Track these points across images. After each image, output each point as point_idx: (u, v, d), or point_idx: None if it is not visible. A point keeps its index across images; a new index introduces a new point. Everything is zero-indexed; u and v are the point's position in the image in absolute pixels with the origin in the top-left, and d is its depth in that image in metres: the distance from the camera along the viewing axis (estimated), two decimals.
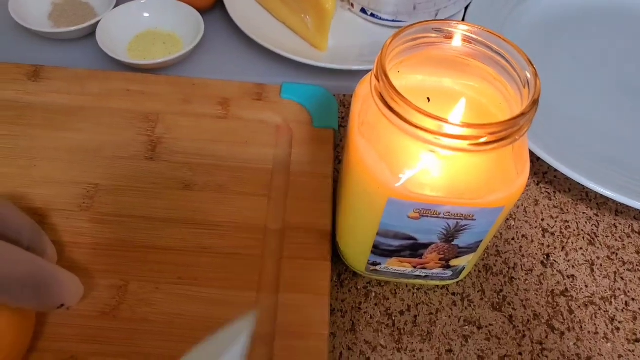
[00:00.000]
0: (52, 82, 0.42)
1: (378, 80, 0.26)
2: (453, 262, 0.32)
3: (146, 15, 0.48)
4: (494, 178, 0.27)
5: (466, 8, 0.50)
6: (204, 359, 0.26)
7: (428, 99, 0.30)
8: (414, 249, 0.31)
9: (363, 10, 0.49)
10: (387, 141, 0.27)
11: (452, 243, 0.30)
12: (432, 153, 0.27)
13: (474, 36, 0.28)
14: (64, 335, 0.30)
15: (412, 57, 0.29)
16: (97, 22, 0.46)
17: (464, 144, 0.25)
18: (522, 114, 0.25)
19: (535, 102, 0.25)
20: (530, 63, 0.27)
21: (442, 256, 0.31)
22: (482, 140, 0.25)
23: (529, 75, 0.27)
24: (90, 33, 0.46)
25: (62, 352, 0.29)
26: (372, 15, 0.49)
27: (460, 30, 0.28)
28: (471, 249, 0.31)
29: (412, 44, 0.28)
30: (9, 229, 0.25)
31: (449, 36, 0.29)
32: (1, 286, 0.23)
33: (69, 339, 0.30)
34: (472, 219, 0.28)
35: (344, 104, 0.46)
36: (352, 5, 0.50)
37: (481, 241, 0.30)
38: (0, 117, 0.39)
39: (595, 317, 0.36)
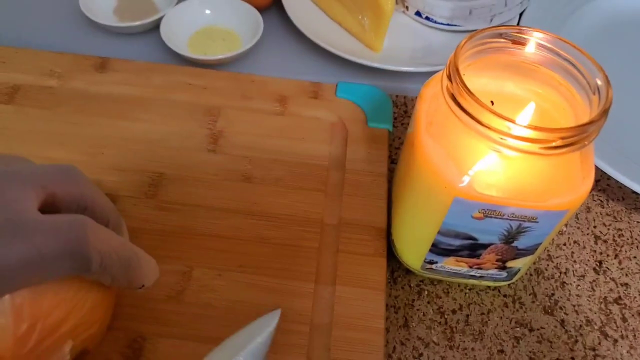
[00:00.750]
0: (118, 74, 0.43)
1: (450, 81, 0.27)
2: (509, 264, 0.32)
3: (207, 12, 0.49)
4: (560, 181, 0.28)
5: (521, 14, 0.51)
6: (230, 349, 0.28)
7: (492, 102, 0.30)
8: (473, 248, 0.31)
9: (418, 13, 0.50)
10: (456, 141, 0.28)
11: (512, 244, 0.30)
12: (499, 154, 0.27)
13: (543, 42, 0.29)
14: (133, 315, 0.31)
15: (478, 60, 0.30)
16: (160, 18, 0.47)
17: (534, 146, 0.25)
18: (593, 122, 0.25)
19: (606, 111, 0.26)
20: (602, 70, 0.27)
21: (500, 257, 0.32)
22: (553, 144, 0.25)
23: (599, 83, 0.27)
24: (152, 28, 0.48)
25: (132, 331, 0.31)
26: (427, 18, 0.50)
27: (529, 37, 0.29)
28: (529, 251, 0.31)
29: (481, 48, 0.29)
30: (100, 212, 0.27)
31: (517, 42, 0.29)
32: (105, 266, 0.24)
33: (138, 319, 0.31)
34: (535, 221, 0.28)
35: (397, 104, 0.47)
36: (407, 7, 0.50)
37: (540, 243, 0.31)
38: (70, 106, 0.41)
39: None
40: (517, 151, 0.25)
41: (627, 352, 0.34)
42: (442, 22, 0.50)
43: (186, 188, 0.37)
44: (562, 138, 0.25)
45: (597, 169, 0.40)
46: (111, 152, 0.39)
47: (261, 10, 0.49)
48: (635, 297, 0.37)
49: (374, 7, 0.45)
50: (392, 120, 0.44)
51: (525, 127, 0.25)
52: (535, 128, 0.25)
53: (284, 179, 0.38)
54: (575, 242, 0.39)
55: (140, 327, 0.31)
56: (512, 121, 0.25)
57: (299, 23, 0.48)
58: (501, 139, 0.25)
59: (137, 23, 0.47)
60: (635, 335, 0.35)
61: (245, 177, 0.38)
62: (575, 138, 0.25)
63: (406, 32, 0.51)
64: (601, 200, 0.42)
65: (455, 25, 0.49)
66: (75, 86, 0.42)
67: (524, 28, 0.29)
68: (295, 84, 0.44)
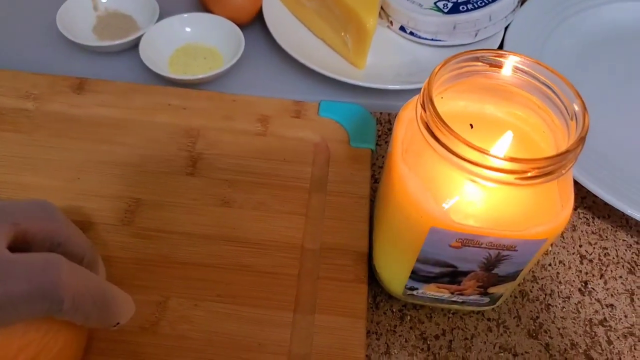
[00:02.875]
0: (96, 95, 0.43)
1: (424, 109, 0.26)
2: (491, 290, 0.32)
3: (188, 29, 0.49)
4: (538, 210, 0.27)
5: (506, 28, 0.50)
6: None
7: (471, 125, 0.30)
8: (453, 276, 0.30)
9: (402, 28, 0.49)
10: (432, 170, 0.27)
11: (492, 272, 0.30)
12: (476, 184, 0.27)
13: (520, 66, 0.28)
14: (105, 349, 0.30)
15: (456, 84, 0.29)
16: (140, 36, 0.47)
17: (510, 177, 0.25)
18: (569, 151, 0.25)
19: (582, 139, 0.25)
20: (579, 96, 0.27)
21: (481, 284, 0.31)
22: (529, 174, 0.25)
23: (577, 109, 0.26)
24: (133, 46, 0.48)
25: None
26: (412, 33, 0.49)
27: (507, 60, 0.28)
28: (511, 277, 0.31)
29: (458, 72, 0.29)
30: (73, 249, 0.26)
31: (495, 65, 0.29)
32: (78, 306, 0.24)
33: (110, 353, 0.30)
34: (514, 250, 0.28)
35: (381, 122, 0.46)
36: (391, 22, 0.50)
37: (521, 270, 0.30)
38: (46, 130, 0.41)
39: (635, 348, 0.35)
40: (492, 182, 0.25)
41: None
42: (426, 37, 0.49)
43: (163, 214, 0.36)
44: (538, 168, 0.24)
45: (582, 186, 0.40)
46: (87, 178, 0.38)
47: (243, 27, 0.48)
48: (620, 319, 0.36)
49: (357, 25, 0.45)
50: (376, 139, 0.44)
51: (499, 158, 0.24)
52: (510, 159, 0.24)
53: (264, 203, 0.38)
54: (560, 262, 0.39)
55: None
56: (487, 152, 0.24)
57: (282, 40, 0.47)
58: (478, 170, 0.25)
59: (117, 42, 0.47)
60: (620, 359, 0.34)
61: (224, 202, 0.37)
62: (551, 167, 0.25)
63: (391, 47, 0.50)
64: (587, 218, 0.41)
65: (440, 40, 0.49)
66: (53, 108, 0.42)
67: (500, 51, 0.29)
68: (277, 103, 0.44)
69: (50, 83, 0.43)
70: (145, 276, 0.33)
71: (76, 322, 0.25)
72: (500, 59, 0.28)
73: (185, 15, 0.49)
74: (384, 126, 0.46)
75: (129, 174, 0.38)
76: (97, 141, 0.40)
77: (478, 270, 0.30)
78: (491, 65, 0.29)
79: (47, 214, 0.26)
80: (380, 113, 0.47)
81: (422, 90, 0.27)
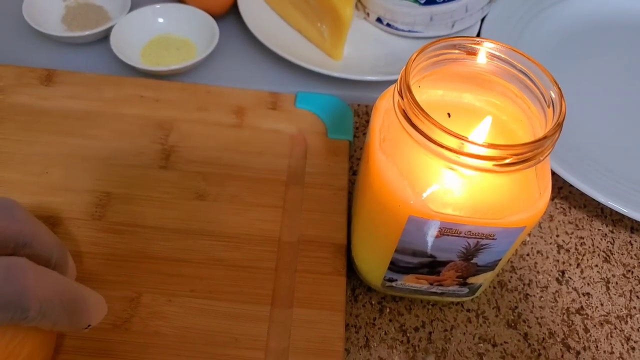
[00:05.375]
0: (65, 87, 0.41)
1: (402, 97, 0.26)
2: (470, 280, 0.32)
3: (160, 20, 0.47)
4: (517, 198, 0.27)
5: (483, 19, 0.50)
6: None
7: (449, 114, 0.30)
8: (432, 266, 0.30)
9: (379, 20, 0.49)
10: (409, 158, 0.27)
11: (471, 261, 0.30)
12: (454, 172, 0.26)
13: (497, 53, 0.28)
14: (76, 347, 0.29)
15: (433, 72, 0.29)
16: (111, 27, 0.45)
17: (488, 164, 0.24)
18: (547, 137, 0.25)
19: (560, 125, 0.25)
20: (556, 83, 0.26)
21: (460, 274, 0.31)
22: (507, 161, 0.24)
23: (553, 96, 0.26)
24: (104, 37, 0.46)
25: None
26: (388, 25, 0.49)
27: (483, 48, 0.28)
28: (489, 267, 0.30)
29: (435, 60, 0.28)
30: (40, 250, 0.25)
31: (472, 53, 0.28)
32: (45, 313, 0.22)
33: (81, 351, 0.29)
34: (493, 239, 0.28)
35: (358, 114, 0.46)
36: (368, 14, 0.50)
37: (500, 260, 0.30)
38: (13, 122, 0.39)
39: (611, 336, 0.35)
40: (470, 169, 0.25)
41: None
42: (403, 29, 0.49)
43: (135, 208, 0.35)
44: (516, 154, 0.24)
45: (559, 177, 0.40)
46: (56, 171, 0.37)
47: (217, 17, 0.47)
48: (596, 307, 0.36)
49: (333, 16, 0.44)
50: (354, 131, 0.43)
51: (477, 144, 0.24)
52: (488, 145, 0.24)
53: (239, 196, 0.37)
54: (538, 251, 0.39)
55: None
56: (464, 138, 0.24)
57: (257, 31, 0.46)
58: (456, 157, 0.24)
59: (87, 33, 0.45)
60: (597, 347, 0.35)
61: (198, 195, 0.36)
62: (529, 154, 0.24)
63: (368, 39, 0.50)
64: (564, 208, 0.42)
65: (417, 32, 0.49)
66: (19, 100, 0.40)
67: (477, 39, 0.28)
68: (253, 94, 0.43)
69: (17, 74, 0.42)
70: (116, 272, 0.32)
71: (44, 327, 0.24)
72: (477, 46, 0.28)
73: (158, 5, 0.47)
74: (362, 118, 0.45)
75: (99, 168, 0.37)
76: (66, 134, 0.39)
77: (457, 260, 0.29)
78: (468, 52, 0.29)
79: (10, 213, 0.25)
80: (358, 105, 0.46)
81: (399, 77, 0.26)
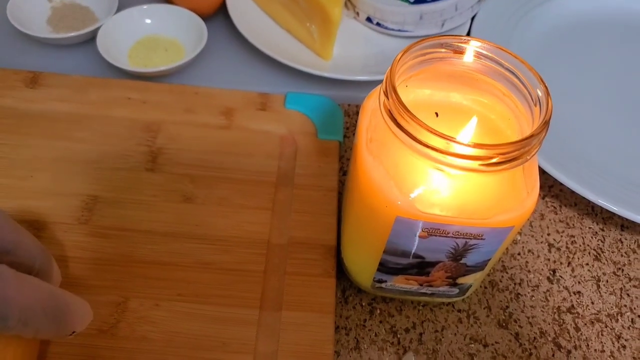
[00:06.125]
0: (51, 90, 0.41)
1: (387, 97, 0.25)
2: (460, 280, 0.31)
3: (148, 21, 0.47)
4: (504, 198, 0.27)
5: (473, 18, 0.50)
6: None
7: (436, 113, 0.30)
8: (421, 267, 0.30)
9: (369, 19, 0.49)
10: (396, 159, 0.27)
11: (460, 262, 0.29)
12: (441, 172, 0.26)
13: (484, 52, 0.28)
14: (61, 354, 0.29)
15: (421, 71, 0.29)
16: (98, 28, 0.45)
17: (474, 164, 0.24)
18: (533, 135, 0.24)
19: (546, 123, 0.25)
20: (542, 82, 0.26)
21: (450, 274, 0.31)
22: (493, 160, 0.24)
23: (540, 94, 0.26)
24: (90, 39, 0.46)
25: None
26: (378, 24, 0.48)
27: (470, 46, 0.28)
28: (479, 267, 0.30)
29: (422, 59, 0.28)
30: (23, 256, 0.25)
31: (459, 51, 0.28)
32: (27, 321, 0.22)
33: (65, 358, 0.29)
34: (481, 239, 0.27)
35: (349, 114, 0.45)
36: (358, 14, 0.49)
37: (489, 260, 0.30)
38: None
39: (602, 334, 0.35)
40: (457, 169, 0.24)
41: None
42: (393, 28, 0.49)
43: (122, 211, 0.35)
44: (502, 154, 0.24)
45: (549, 175, 0.40)
46: (42, 175, 0.36)
47: (205, 18, 0.47)
48: (587, 306, 0.36)
49: (322, 16, 0.44)
50: (344, 131, 0.43)
51: (463, 144, 0.23)
52: (474, 145, 0.24)
53: (228, 198, 0.36)
54: (529, 250, 0.39)
55: None
56: (450, 138, 0.24)
57: (246, 31, 0.46)
58: (442, 157, 0.24)
59: (73, 34, 0.45)
60: (588, 345, 0.34)
61: (186, 198, 0.36)
62: (515, 153, 0.24)
63: (358, 38, 0.50)
64: (554, 207, 0.41)
65: (407, 31, 0.48)
66: (3, 103, 0.40)
67: (464, 37, 0.28)
68: (242, 95, 0.42)
69: (1, 77, 0.41)
70: (103, 276, 0.32)
71: (26, 336, 0.23)
72: (464, 45, 0.28)
73: (145, 6, 0.47)
74: (352, 118, 0.45)
75: (85, 171, 0.37)
76: (52, 137, 0.38)
77: (446, 261, 0.29)
78: (455, 51, 0.28)
79: None
80: (348, 105, 0.46)
81: (385, 77, 0.26)
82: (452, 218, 0.26)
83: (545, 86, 0.26)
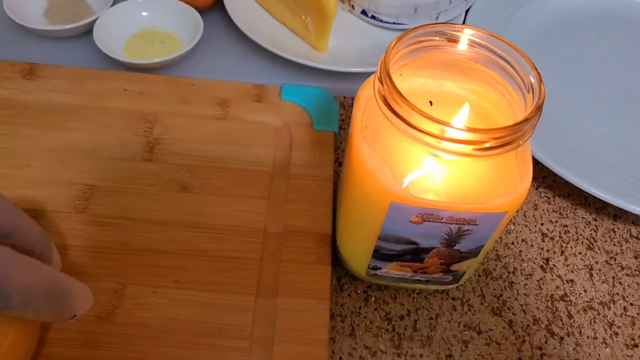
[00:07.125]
0: (48, 81, 0.41)
1: (382, 84, 0.26)
2: (454, 267, 0.32)
3: (144, 14, 0.47)
4: (497, 183, 0.27)
5: (467, 11, 0.50)
6: None
7: (430, 102, 0.30)
8: (415, 253, 0.30)
9: (364, 12, 0.49)
10: (390, 145, 0.27)
11: (454, 248, 0.30)
12: (435, 157, 0.26)
13: (478, 40, 0.28)
14: (60, 340, 0.29)
15: (415, 60, 0.29)
16: (94, 20, 0.45)
17: (468, 148, 0.24)
18: (527, 120, 0.25)
19: (539, 108, 0.25)
20: (535, 68, 0.27)
21: (444, 261, 0.31)
22: (487, 145, 0.24)
23: (533, 80, 0.26)
24: (87, 31, 0.46)
25: (58, 358, 0.28)
26: (373, 17, 0.49)
27: (464, 34, 0.28)
28: (473, 253, 0.31)
29: (416, 47, 0.28)
30: (24, 240, 0.25)
31: (453, 40, 0.29)
32: (28, 301, 0.22)
33: (65, 344, 0.29)
34: (475, 224, 0.28)
35: (344, 106, 0.46)
36: (353, 7, 0.50)
37: (483, 246, 0.30)
38: None
39: (594, 322, 0.36)
40: (451, 154, 0.25)
41: (573, 349, 0.34)
42: (388, 21, 0.49)
43: (119, 200, 0.35)
44: (496, 138, 0.24)
45: (543, 166, 0.41)
46: (39, 165, 0.36)
47: (201, 11, 0.47)
48: (580, 293, 0.37)
49: (317, 8, 0.44)
50: (339, 123, 0.43)
51: (457, 128, 0.24)
52: (468, 129, 0.24)
53: (224, 188, 0.37)
54: (523, 240, 0.39)
55: (67, 352, 0.29)
56: (444, 123, 0.24)
57: (242, 24, 0.46)
58: (436, 142, 0.24)
59: (69, 26, 0.45)
60: (580, 332, 0.35)
61: (182, 187, 0.36)
62: (509, 138, 0.25)
63: (353, 31, 0.50)
64: (548, 197, 0.42)
65: (402, 24, 0.49)
66: (0, 95, 0.40)
67: (457, 25, 0.28)
68: (237, 86, 0.43)
69: None
70: (100, 264, 0.32)
71: (27, 317, 0.23)
72: (457, 33, 0.28)
73: None
74: (347, 110, 0.45)
75: (82, 161, 0.37)
76: (48, 127, 0.38)
77: (440, 247, 0.30)
78: (449, 39, 0.29)
79: None
80: (344, 97, 0.46)
81: (379, 64, 0.26)
82: (446, 203, 0.27)
83: (538, 72, 0.26)
